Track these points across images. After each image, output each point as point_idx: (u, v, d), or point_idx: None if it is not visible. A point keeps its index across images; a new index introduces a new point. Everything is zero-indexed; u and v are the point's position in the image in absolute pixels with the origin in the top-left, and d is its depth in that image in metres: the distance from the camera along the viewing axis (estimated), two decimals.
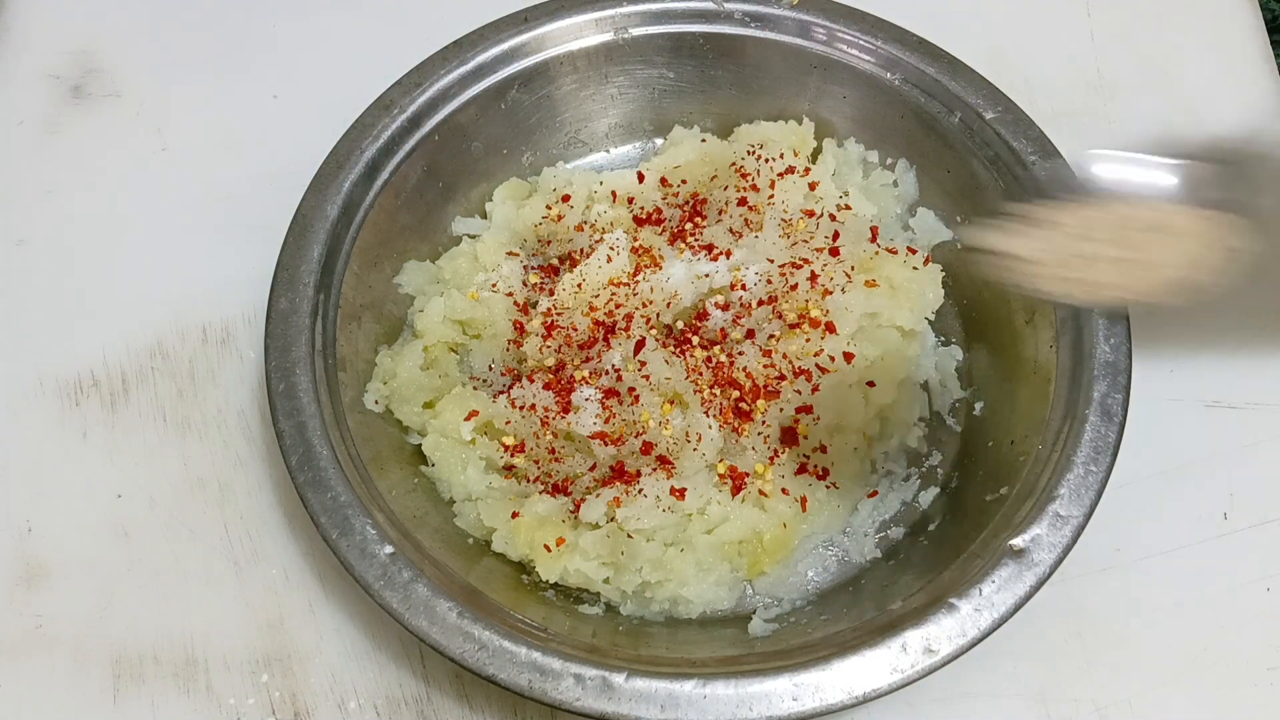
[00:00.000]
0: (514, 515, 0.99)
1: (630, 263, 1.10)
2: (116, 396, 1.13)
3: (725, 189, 1.15)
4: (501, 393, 1.05)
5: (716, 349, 1.05)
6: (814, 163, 1.18)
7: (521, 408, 1.03)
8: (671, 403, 1.02)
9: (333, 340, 1.02)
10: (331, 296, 1.03)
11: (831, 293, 1.06)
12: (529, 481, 1.02)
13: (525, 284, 1.13)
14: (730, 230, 1.11)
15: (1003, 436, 1.03)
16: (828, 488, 1.01)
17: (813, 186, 1.15)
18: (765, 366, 1.04)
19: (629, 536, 0.96)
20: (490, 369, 1.09)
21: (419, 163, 1.11)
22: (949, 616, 0.86)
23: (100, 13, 1.39)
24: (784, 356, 1.04)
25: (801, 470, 1.02)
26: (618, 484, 0.99)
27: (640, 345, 1.04)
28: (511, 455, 1.03)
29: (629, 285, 1.08)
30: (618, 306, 1.07)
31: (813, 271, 1.07)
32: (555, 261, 1.15)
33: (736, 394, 1.02)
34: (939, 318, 1.11)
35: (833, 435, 1.02)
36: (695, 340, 1.06)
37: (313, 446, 0.94)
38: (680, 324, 1.08)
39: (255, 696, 0.99)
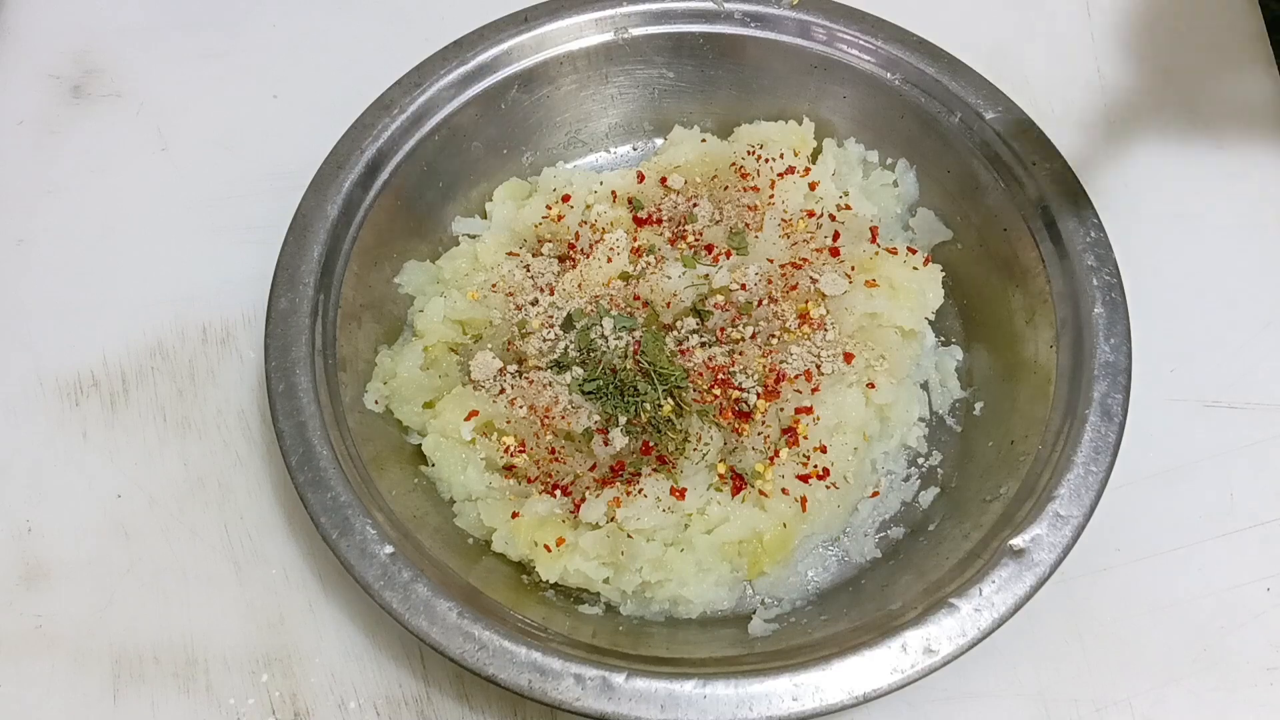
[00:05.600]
0: (514, 515, 0.99)
1: (630, 263, 1.10)
2: (116, 396, 1.13)
3: (725, 189, 1.15)
4: (501, 392, 1.05)
5: (716, 349, 1.05)
6: (814, 163, 1.18)
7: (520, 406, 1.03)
8: (672, 403, 1.02)
9: (333, 340, 1.02)
10: (331, 296, 1.03)
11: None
12: (529, 481, 1.02)
13: (529, 272, 1.12)
14: (730, 230, 1.11)
15: (1003, 436, 1.03)
16: (828, 488, 1.01)
17: (813, 186, 1.15)
18: (765, 367, 1.04)
19: (629, 536, 0.96)
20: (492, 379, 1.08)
21: (419, 163, 1.11)
22: (949, 616, 0.86)
23: (100, 13, 1.39)
24: (783, 358, 1.04)
25: (801, 470, 1.01)
26: (618, 484, 0.99)
27: (638, 346, 1.05)
28: (511, 455, 1.03)
29: (629, 285, 1.08)
30: (616, 306, 1.07)
31: (812, 276, 1.08)
32: (556, 261, 1.15)
33: (736, 394, 1.02)
34: (939, 318, 1.11)
35: (833, 435, 1.02)
36: (695, 340, 1.06)
37: (313, 446, 0.94)
38: (680, 324, 1.08)
39: (255, 696, 0.99)
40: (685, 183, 1.16)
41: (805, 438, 1.02)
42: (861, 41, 1.14)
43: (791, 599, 1.01)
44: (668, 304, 1.07)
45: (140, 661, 1.01)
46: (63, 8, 1.39)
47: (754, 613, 0.99)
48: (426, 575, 0.89)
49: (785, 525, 0.99)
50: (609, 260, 1.09)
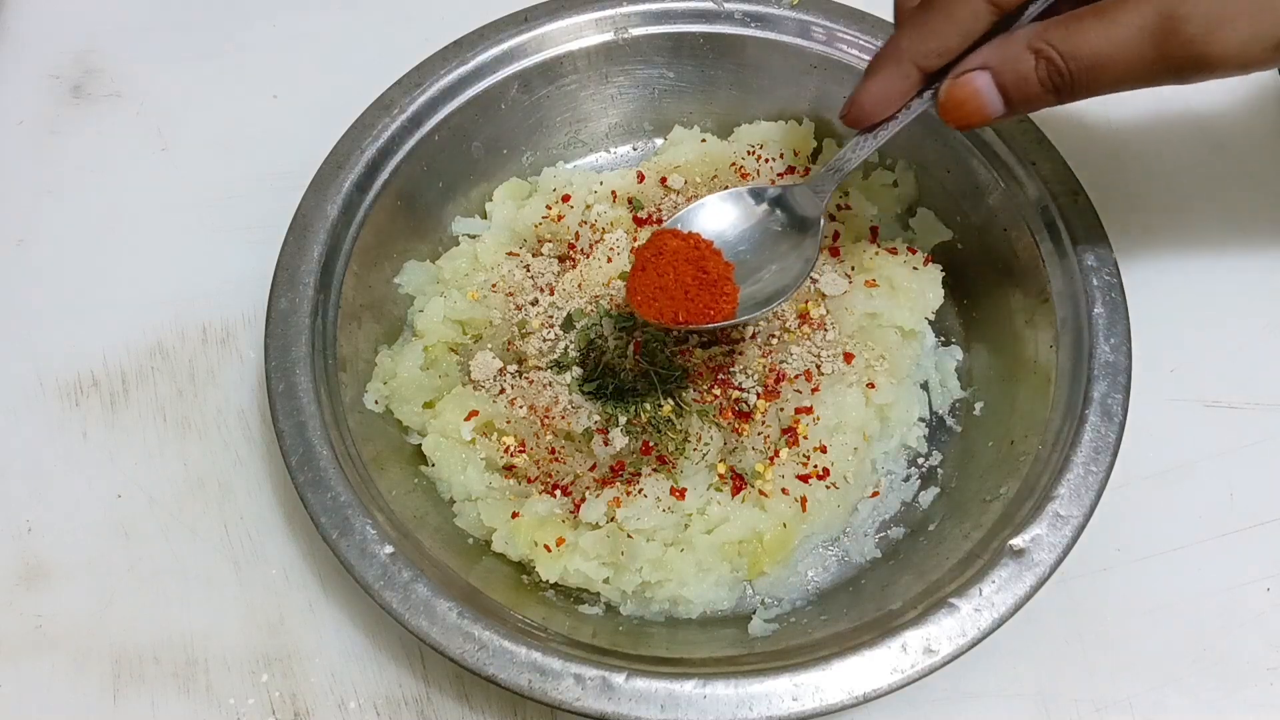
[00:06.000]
0: (514, 515, 0.99)
1: (630, 263, 1.10)
2: (116, 396, 1.13)
3: (725, 189, 1.15)
4: (501, 392, 1.05)
5: (716, 349, 1.05)
6: (814, 163, 1.18)
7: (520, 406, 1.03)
8: (672, 403, 1.02)
9: (333, 340, 1.02)
10: (331, 296, 1.03)
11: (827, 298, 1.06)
12: (529, 481, 1.02)
13: (529, 272, 1.12)
14: None
15: (1003, 436, 1.03)
16: (828, 488, 1.01)
17: None
18: (765, 367, 1.04)
19: (629, 536, 0.96)
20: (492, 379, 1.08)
21: (419, 163, 1.11)
22: (949, 616, 0.86)
23: (100, 13, 1.39)
24: (783, 358, 1.04)
25: (801, 470, 1.01)
26: (618, 484, 0.99)
27: (638, 346, 1.05)
28: (511, 455, 1.03)
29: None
30: (615, 305, 1.07)
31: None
32: (556, 261, 1.15)
33: (736, 394, 1.02)
34: (939, 318, 1.11)
35: (833, 435, 1.02)
36: (695, 340, 1.06)
37: (313, 446, 0.94)
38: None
39: (255, 696, 0.99)
40: (685, 183, 1.16)
41: (805, 438, 1.02)
42: (861, 41, 1.14)
43: (791, 599, 1.01)
44: None
45: (140, 661, 1.01)
46: (63, 8, 1.39)
47: (754, 613, 0.99)
48: (426, 575, 0.89)
49: (785, 525, 0.99)
50: (609, 260, 1.09)
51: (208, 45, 1.36)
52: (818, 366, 1.04)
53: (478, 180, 1.18)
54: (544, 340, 1.07)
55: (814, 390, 1.03)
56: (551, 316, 1.08)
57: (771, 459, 1.01)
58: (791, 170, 1.15)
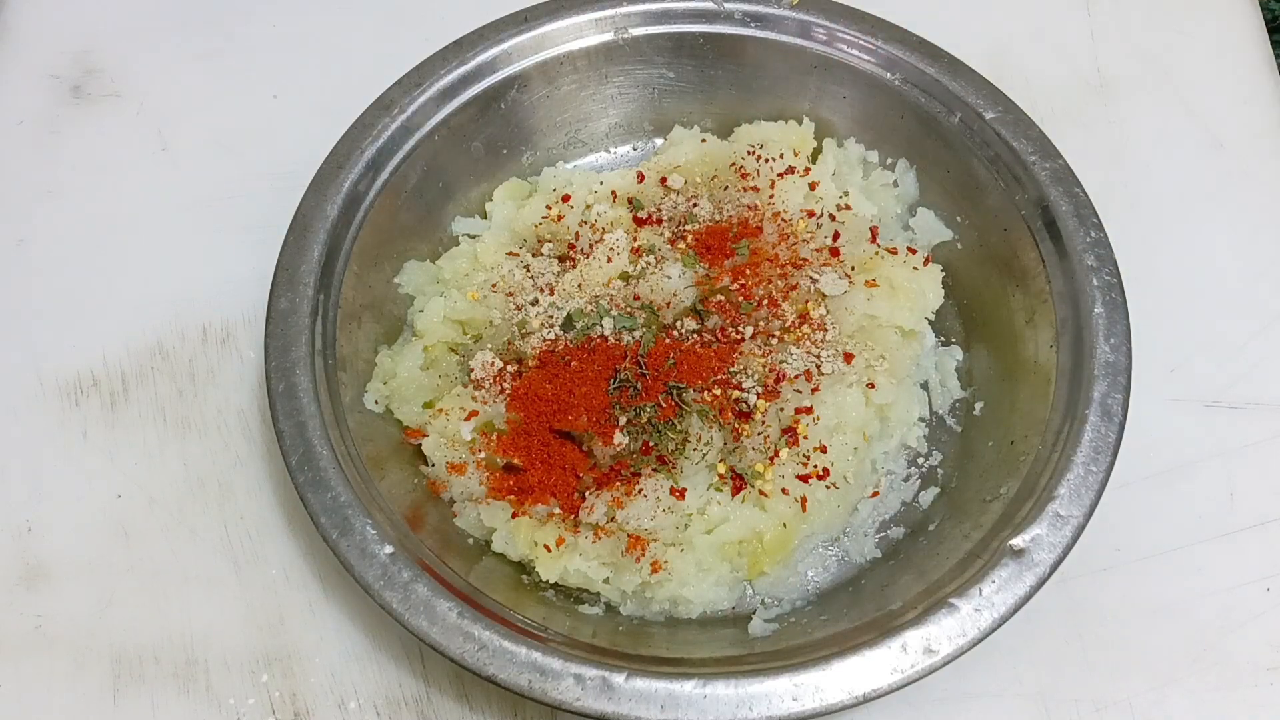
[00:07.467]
0: (514, 515, 0.99)
1: (630, 263, 1.10)
2: (116, 396, 1.13)
3: (725, 189, 1.15)
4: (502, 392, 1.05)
5: (716, 348, 1.05)
6: (814, 163, 1.18)
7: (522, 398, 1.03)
8: (671, 403, 1.02)
9: (333, 340, 1.02)
10: (331, 296, 1.03)
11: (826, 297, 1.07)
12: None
13: (529, 272, 1.12)
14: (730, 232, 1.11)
15: (1003, 436, 1.03)
16: (828, 488, 1.01)
17: (813, 186, 1.15)
18: (765, 367, 1.04)
19: (629, 536, 0.96)
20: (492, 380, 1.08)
21: (419, 163, 1.11)
22: (949, 616, 0.86)
23: (100, 13, 1.39)
24: (783, 358, 1.04)
25: (801, 470, 1.01)
26: (618, 484, 0.99)
27: (636, 348, 1.04)
28: (512, 455, 1.02)
29: (629, 285, 1.08)
30: (617, 307, 1.07)
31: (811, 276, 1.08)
32: (556, 261, 1.15)
33: (736, 394, 1.02)
34: (939, 318, 1.12)
35: (833, 435, 1.02)
36: (695, 340, 1.06)
37: (313, 446, 0.94)
38: (680, 324, 1.08)
39: (255, 696, 0.99)
40: (685, 183, 1.16)
41: (805, 438, 1.02)
42: (861, 41, 1.14)
43: (791, 599, 1.01)
44: (668, 304, 1.07)
45: (140, 661, 1.01)
46: (63, 8, 1.39)
47: (754, 613, 0.99)
48: (426, 575, 0.89)
49: (785, 525, 0.99)
50: (609, 260, 1.09)
51: (208, 45, 1.36)
52: (818, 366, 1.04)
53: (478, 180, 1.18)
54: (544, 340, 1.07)
55: (814, 390, 1.03)
56: (551, 316, 1.08)
57: (771, 459, 1.01)
58: (791, 170, 1.15)
